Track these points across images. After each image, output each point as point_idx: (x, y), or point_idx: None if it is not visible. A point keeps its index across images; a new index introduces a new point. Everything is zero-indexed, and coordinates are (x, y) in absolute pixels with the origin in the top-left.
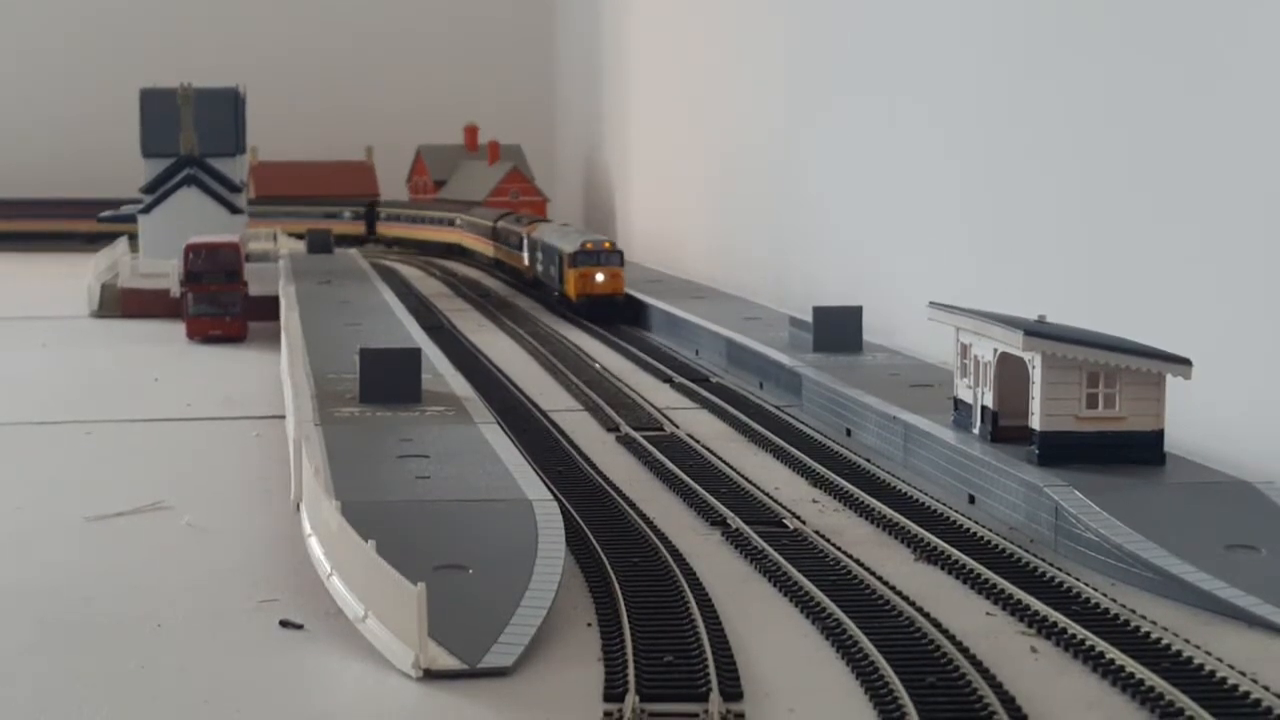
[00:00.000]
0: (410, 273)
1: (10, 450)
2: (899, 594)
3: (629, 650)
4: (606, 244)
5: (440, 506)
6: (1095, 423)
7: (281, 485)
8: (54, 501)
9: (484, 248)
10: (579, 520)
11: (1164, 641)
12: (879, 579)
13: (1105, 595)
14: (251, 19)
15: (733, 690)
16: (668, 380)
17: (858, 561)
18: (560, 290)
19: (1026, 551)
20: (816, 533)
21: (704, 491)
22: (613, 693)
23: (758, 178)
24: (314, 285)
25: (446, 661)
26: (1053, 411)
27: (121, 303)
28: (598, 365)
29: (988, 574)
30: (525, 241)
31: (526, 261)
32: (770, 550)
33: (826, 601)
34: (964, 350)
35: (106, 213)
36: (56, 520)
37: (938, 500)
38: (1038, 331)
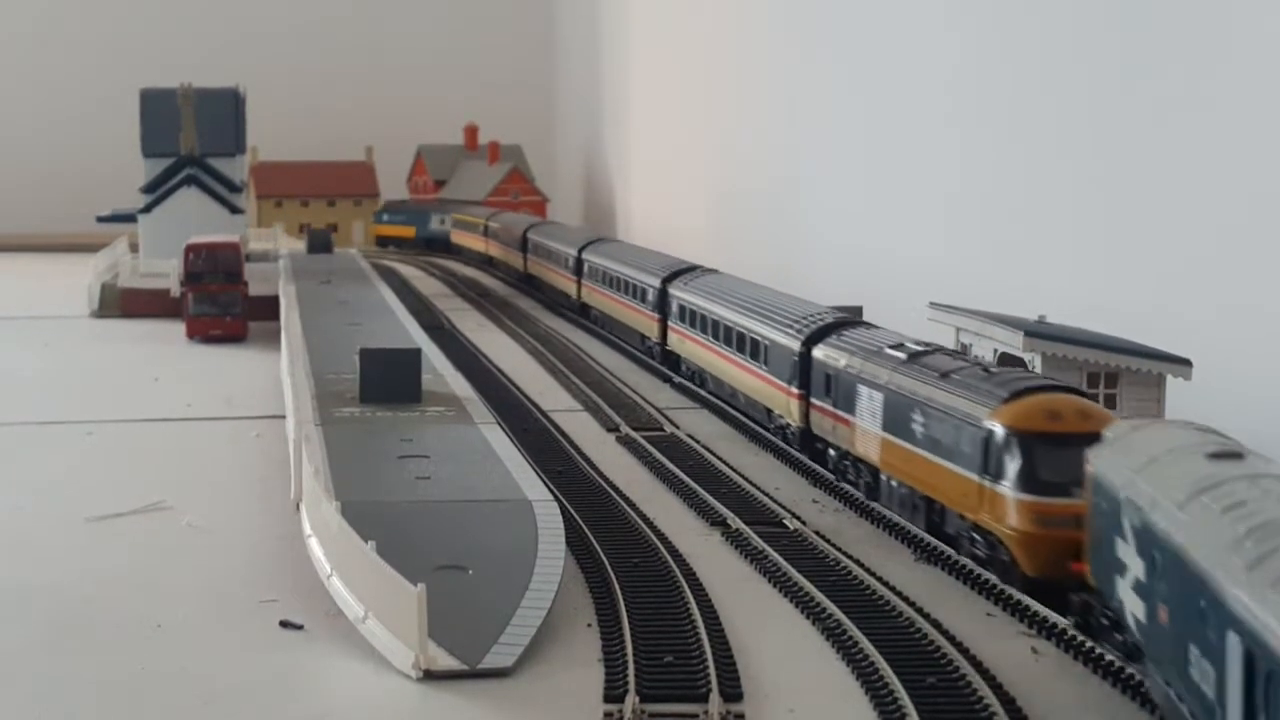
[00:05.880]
0: (409, 272)
1: (11, 450)
2: (899, 594)
3: (629, 651)
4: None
5: (440, 507)
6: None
7: (281, 485)
8: (55, 501)
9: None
10: (579, 520)
11: None
12: (879, 579)
13: None
14: (252, 19)
15: (733, 691)
16: (667, 380)
17: (858, 562)
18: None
19: None
20: (816, 533)
21: (704, 492)
22: (613, 693)
23: (758, 177)
24: (314, 285)
25: (447, 662)
26: None
27: (122, 302)
28: (598, 365)
29: (988, 574)
30: (841, 384)
31: (831, 416)
32: (770, 550)
33: (826, 602)
34: (964, 350)
35: (106, 213)
36: (58, 520)
37: None
38: (1038, 332)
